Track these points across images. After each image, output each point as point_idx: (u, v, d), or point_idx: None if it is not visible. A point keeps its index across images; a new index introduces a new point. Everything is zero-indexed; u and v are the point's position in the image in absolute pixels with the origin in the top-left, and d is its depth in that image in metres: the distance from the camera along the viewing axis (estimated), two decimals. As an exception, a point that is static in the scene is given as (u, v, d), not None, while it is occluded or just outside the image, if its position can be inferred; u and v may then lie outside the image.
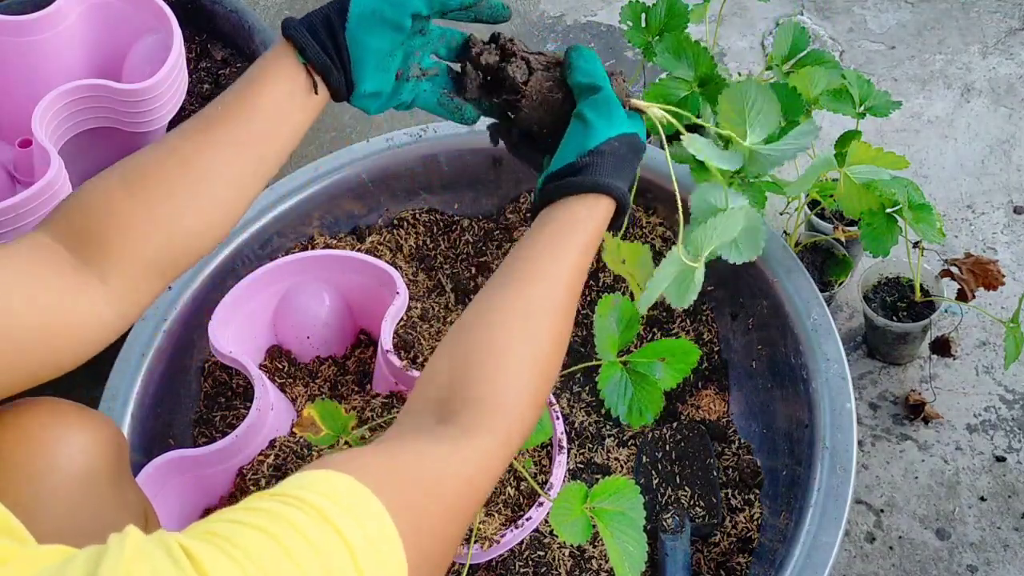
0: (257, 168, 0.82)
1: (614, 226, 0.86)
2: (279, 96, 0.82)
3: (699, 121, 1.02)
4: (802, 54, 1.35)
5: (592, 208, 0.82)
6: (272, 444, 1.19)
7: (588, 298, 1.36)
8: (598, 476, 1.20)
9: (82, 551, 0.47)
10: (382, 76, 0.88)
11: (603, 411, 1.20)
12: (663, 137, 0.94)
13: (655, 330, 1.33)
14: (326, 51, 0.83)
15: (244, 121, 0.81)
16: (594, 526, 0.92)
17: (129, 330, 1.24)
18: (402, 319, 1.25)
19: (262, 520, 0.51)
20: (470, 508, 0.66)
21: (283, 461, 1.18)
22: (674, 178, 0.94)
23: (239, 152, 0.81)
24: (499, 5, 0.93)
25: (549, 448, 1.16)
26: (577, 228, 0.81)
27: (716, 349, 1.31)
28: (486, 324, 0.75)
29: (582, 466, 1.21)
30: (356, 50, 0.85)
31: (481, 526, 1.05)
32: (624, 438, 1.25)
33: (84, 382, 1.48)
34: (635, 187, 0.91)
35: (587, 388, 1.28)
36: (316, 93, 0.84)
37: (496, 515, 1.08)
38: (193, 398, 1.29)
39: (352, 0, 0.84)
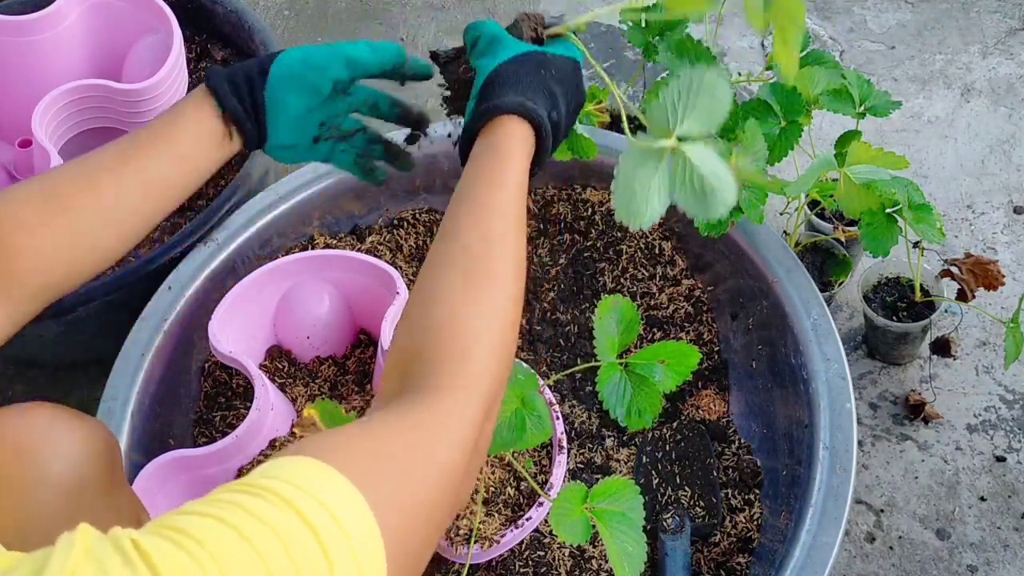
0: (159, 204, 0.86)
1: (541, 137, 0.81)
2: (194, 139, 0.87)
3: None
4: (802, 54, 1.35)
5: (493, 136, 0.79)
6: (272, 444, 1.19)
7: (589, 302, 1.36)
8: (598, 476, 1.20)
9: (31, 554, 0.46)
10: (298, 132, 0.93)
11: (603, 411, 1.20)
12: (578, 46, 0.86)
13: (655, 329, 1.33)
14: (243, 104, 0.89)
15: (156, 158, 0.85)
16: (594, 526, 0.93)
17: (129, 330, 1.24)
18: (402, 319, 1.25)
19: (222, 511, 0.50)
20: (451, 473, 0.61)
21: (283, 461, 1.18)
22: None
23: (147, 187, 0.85)
24: (423, 65, 0.97)
25: (549, 448, 1.16)
26: (484, 164, 0.78)
27: (716, 349, 1.31)
28: (431, 285, 0.72)
29: (582, 466, 1.21)
30: (273, 107, 0.90)
31: (481, 526, 1.05)
32: (624, 438, 1.25)
33: (84, 382, 1.48)
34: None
35: (587, 389, 1.28)
36: (231, 139, 0.90)
37: (496, 515, 1.08)
38: (193, 398, 1.29)
39: (274, 62, 0.89)
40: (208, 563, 0.47)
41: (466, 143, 0.82)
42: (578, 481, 1.01)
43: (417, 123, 1.00)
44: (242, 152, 0.93)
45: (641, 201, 0.70)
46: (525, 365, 1.05)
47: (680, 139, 0.70)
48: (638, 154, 0.71)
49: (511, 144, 0.78)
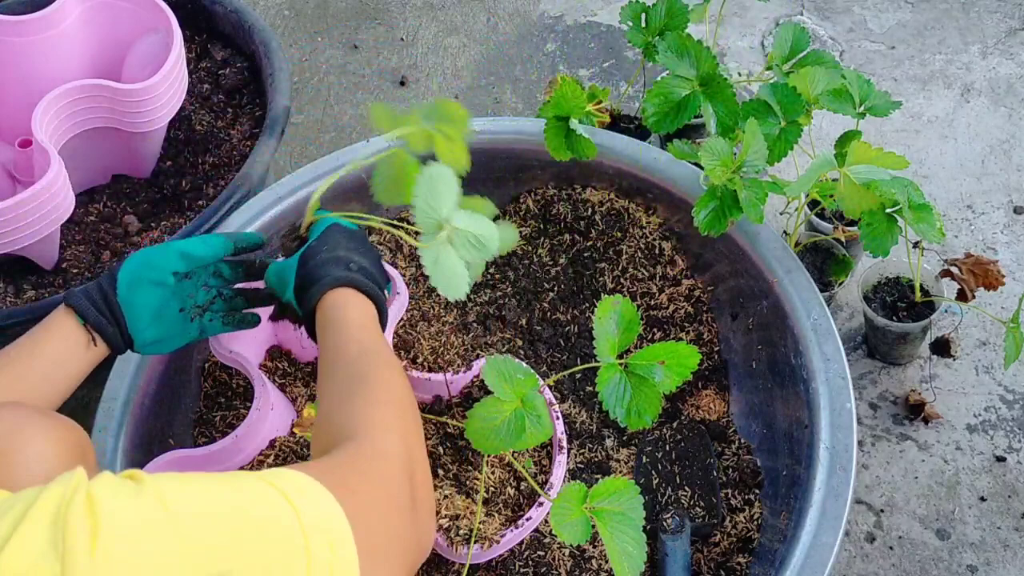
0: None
1: (372, 296, 0.96)
2: (60, 349, 0.96)
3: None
4: (802, 54, 1.35)
5: (324, 313, 0.93)
6: (272, 444, 1.19)
7: (589, 302, 1.36)
8: (598, 476, 1.20)
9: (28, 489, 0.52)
10: (161, 325, 1.02)
11: (603, 411, 1.20)
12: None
13: (655, 329, 1.33)
14: (101, 312, 0.98)
15: (25, 369, 0.93)
16: (594, 526, 0.92)
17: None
18: (402, 319, 1.25)
19: (210, 475, 0.59)
20: (393, 490, 0.71)
21: (283, 461, 1.18)
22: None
23: (23, 396, 0.91)
24: (251, 237, 1.11)
25: (549, 448, 1.16)
26: (331, 329, 0.92)
27: (716, 349, 1.31)
28: (328, 405, 0.83)
29: (582, 466, 1.21)
30: (129, 309, 1.00)
31: (481, 526, 1.05)
32: (624, 438, 1.25)
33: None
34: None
35: (587, 388, 1.28)
36: (95, 345, 0.98)
37: (496, 515, 1.08)
38: (193, 398, 1.29)
39: (119, 270, 1.00)
40: (196, 486, 0.55)
41: (310, 332, 0.97)
42: (578, 481, 1.01)
43: (260, 273, 1.10)
44: (110, 356, 1.02)
45: (454, 277, 0.91)
46: (525, 365, 1.05)
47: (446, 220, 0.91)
48: (434, 249, 0.91)
49: (343, 308, 0.93)
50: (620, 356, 1.02)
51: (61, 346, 0.96)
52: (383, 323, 0.97)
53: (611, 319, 1.02)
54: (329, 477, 0.63)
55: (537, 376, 1.01)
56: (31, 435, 0.80)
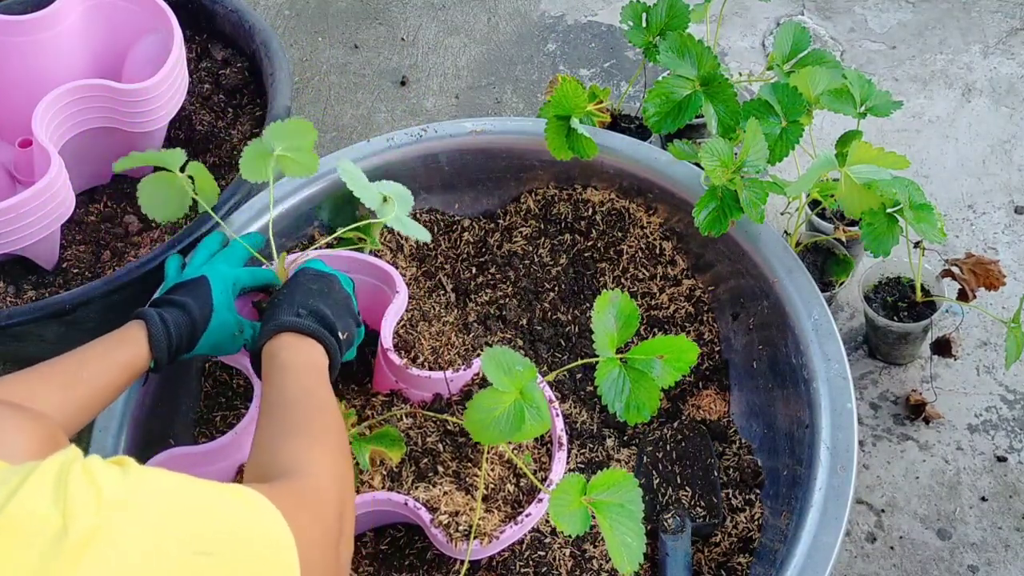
0: (79, 414, 0.97)
1: (320, 340, 1.01)
2: (122, 376, 1.00)
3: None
4: (803, 54, 1.35)
5: (270, 355, 0.98)
6: (272, 444, 1.19)
7: (590, 302, 1.36)
8: (598, 476, 1.19)
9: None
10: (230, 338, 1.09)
11: (604, 411, 1.20)
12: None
13: (655, 329, 1.33)
14: (172, 357, 1.04)
15: (92, 385, 0.98)
16: (593, 517, 0.92)
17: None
18: (402, 319, 1.25)
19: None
20: (327, 524, 0.76)
21: (283, 461, 1.17)
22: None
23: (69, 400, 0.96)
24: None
25: (549, 446, 1.16)
26: (279, 367, 0.97)
27: (717, 349, 1.31)
28: (264, 443, 0.88)
29: (583, 466, 1.21)
30: (208, 346, 1.07)
31: (481, 522, 1.05)
32: (625, 438, 1.25)
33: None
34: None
35: (588, 388, 1.28)
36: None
37: (496, 511, 1.08)
38: (193, 398, 1.29)
39: (202, 338, 1.06)
40: (177, 480, 0.59)
41: (256, 371, 1.03)
42: (577, 473, 1.01)
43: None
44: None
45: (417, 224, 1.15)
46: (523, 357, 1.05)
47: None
48: (396, 216, 1.16)
49: (286, 351, 0.98)
50: (619, 351, 1.02)
51: (124, 377, 1.01)
52: (334, 365, 1.02)
53: (609, 313, 1.02)
54: (277, 500, 0.67)
55: (535, 370, 1.01)
56: (3, 428, 0.79)
